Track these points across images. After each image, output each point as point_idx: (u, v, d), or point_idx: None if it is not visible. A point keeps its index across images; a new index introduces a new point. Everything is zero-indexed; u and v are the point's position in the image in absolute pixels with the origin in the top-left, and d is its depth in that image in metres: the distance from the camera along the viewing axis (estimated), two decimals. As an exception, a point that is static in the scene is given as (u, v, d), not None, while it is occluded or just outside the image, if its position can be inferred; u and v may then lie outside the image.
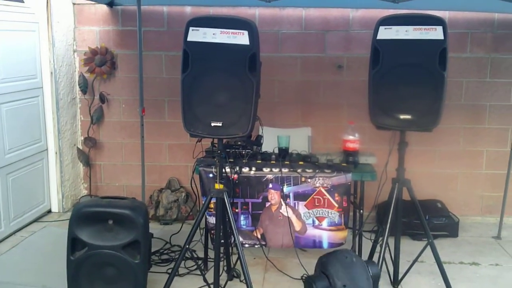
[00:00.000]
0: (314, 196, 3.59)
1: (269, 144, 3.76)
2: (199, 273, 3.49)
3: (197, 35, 2.76)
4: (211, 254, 3.46)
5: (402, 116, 2.99)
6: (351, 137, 3.71)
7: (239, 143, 3.60)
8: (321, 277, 2.93)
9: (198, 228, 3.16)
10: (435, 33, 2.87)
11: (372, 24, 3.03)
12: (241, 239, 3.65)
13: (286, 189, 3.59)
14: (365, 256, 3.68)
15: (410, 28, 2.91)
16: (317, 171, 3.55)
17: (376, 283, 2.99)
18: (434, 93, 2.92)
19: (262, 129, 3.62)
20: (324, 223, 3.63)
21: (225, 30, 2.73)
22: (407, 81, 2.96)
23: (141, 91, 4.17)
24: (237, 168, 3.55)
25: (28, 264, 3.74)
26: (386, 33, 2.95)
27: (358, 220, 3.75)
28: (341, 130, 3.82)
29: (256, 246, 3.72)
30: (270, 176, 3.58)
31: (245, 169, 3.58)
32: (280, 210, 3.64)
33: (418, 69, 2.94)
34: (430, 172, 4.77)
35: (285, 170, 3.57)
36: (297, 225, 3.66)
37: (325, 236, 3.66)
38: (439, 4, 4.21)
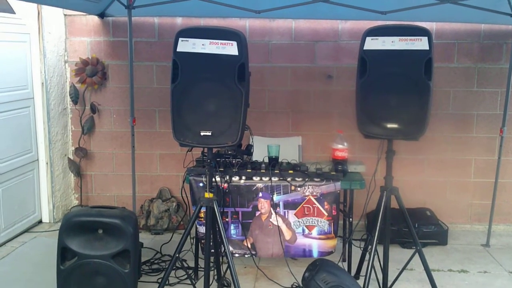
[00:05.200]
0: (304, 205, 3.62)
1: (259, 153, 3.80)
2: (189, 282, 3.49)
3: (187, 45, 2.79)
4: (202, 263, 3.47)
5: (389, 125, 3.03)
6: (340, 146, 3.76)
7: (229, 152, 3.63)
8: None
9: (189, 237, 3.17)
10: (421, 43, 2.92)
11: (360, 35, 3.06)
12: (231, 248, 3.66)
13: (276, 198, 3.62)
14: (354, 264, 3.71)
15: (396, 38, 2.95)
16: (306, 179, 3.58)
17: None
18: (420, 102, 2.95)
19: (253, 139, 3.65)
20: (314, 232, 3.66)
21: (214, 40, 2.77)
22: (394, 90, 3.00)
23: (132, 101, 4.20)
24: (227, 177, 3.57)
25: (19, 274, 3.72)
26: (372, 43, 2.99)
27: (347, 229, 3.79)
28: (331, 139, 3.87)
29: (246, 255, 3.73)
30: (260, 185, 3.61)
31: (235, 178, 3.60)
32: (270, 219, 3.66)
33: (404, 79, 2.97)
34: (420, 181, 4.81)
35: (275, 179, 3.60)
36: (287, 234, 3.68)
37: (315, 245, 3.68)
38: (427, 15, 4.28)
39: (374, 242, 3.20)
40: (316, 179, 3.60)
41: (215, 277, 3.53)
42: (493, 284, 3.71)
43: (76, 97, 4.82)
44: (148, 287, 3.53)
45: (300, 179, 3.60)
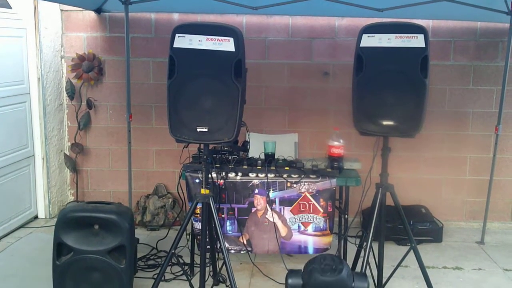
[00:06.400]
0: (300, 202, 3.63)
1: (255, 150, 3.80)
2: (185, 278, 3.50)
3: (183, 41, 2.79)
4: (197, 259, 3.48)
5: (385, 122, 3.04)
6: (336, 143, 3.77)
7: (225, 148, 3.63)
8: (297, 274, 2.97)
9: (185, 233, 3.17)
10: (417, 41, 2.93)
11: (357, 32, 3.07)
12: (227, 245, 3.67)
13: (272, 194, 3.63)
14: (349, 260, 3.71)
15: (392, 36, 2.95)
16: (302, 176, 3.59)
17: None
18: (416, 100, 2.96)
19: (249, 135, 3.65)
20: (310, 229, 3.67)
21: (210, 37, 2.77)
22: (390, 88, 3.01)
23: (129, 97, 4.20)
24: (223, 174, 3.58)
25: (14, 269, 3.72)
26: (369, 41, 3.00)
27: (343, 225, 3.80)
28: (327, 136, 3.88)
29: (242, 252, 3.74)
30: (256, 182, 3.61)
31: (231, 175, 3.61)
32: (266, 216, 3.67)
33: (401, 76, 2.98)
34: (415, 178, 4.83)
35: (271, 175, 3.60)
36: (283, 231, 3.69)
37: (311, 241, 3.69)
38: (423, 13, 4.30)
39: (369, 239, 3.21)
40: (312, 176, 3.61)
41: (211, 273, 3.55)
42: (487, 281, 3.74)
43: (72, 92, 4.82)
44: (144, 282, 3.54)
45: (296, 175, 3.61)
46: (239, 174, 3.62)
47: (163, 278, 3.41)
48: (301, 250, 3.72)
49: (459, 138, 4.79)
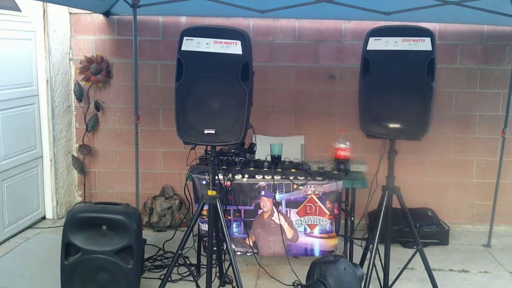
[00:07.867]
0: (306, 204, 3.64)
1: (262, 152, 3.82)
2: (191, 279, 3.52)
3: (191, 44, 2.81)
4: (204, 260, 3.50)
5: (391, 125, 3.04)
6: (342, 146, 3.78)
7: (232, 150, 3.65)
8: (319, 285, 2.98)
9: (191, 234, 3.19)
10: (424, 44, 2.94)
11: (364, 35, 3.08)
12: (233, 246, 3.69)
13: (278, 196, 3.64)
14: (356, 263, 3.72)
15: (399, 39, 2.96)
16: (308, 178, 3.61)
17: (360, 283, 3.13)
18: (423, 103, 2.97)
19: (255, 137, 3.67)
20: (316, 231, 3.68)
21: (218, 40, 2.78)
22: (396, 91, 3.02)
23: (136, 99, 4.23)
24: (230, 175, 3.60)
25: (22, 270, 3.76)
26: (375, 44, 3.01)
27: (349, 228, 3.80)
28: (334, 138, 3.89)
29: (248, 253, 3.76)
30: (262, 184, 3.63)
31: (238, 176, 3.63)
32: (272, 218, 3.68)
33: (407, 79, 2.99)
34: (422, 181, 4.83)
35: (277, 177, 3.62)
36: (289, 233, 3.70)
37: (317, 243, 3.70)
38: (430, 16, 4.29)
39: (376, 241, 3.22)
40: (318, 178, 3.62)
41: (217, 274, 3.56)
42: (494, 284, 3.73)
43: (80, 94, 4.85)
44: (151, 283, 3.56)
45: (302, 178, 3.62)
46: (246, 176, 3.64)
47: (169, 279, 3.43)
48: (307, 252, 3.73)
49: (466, 141, 4.78)
